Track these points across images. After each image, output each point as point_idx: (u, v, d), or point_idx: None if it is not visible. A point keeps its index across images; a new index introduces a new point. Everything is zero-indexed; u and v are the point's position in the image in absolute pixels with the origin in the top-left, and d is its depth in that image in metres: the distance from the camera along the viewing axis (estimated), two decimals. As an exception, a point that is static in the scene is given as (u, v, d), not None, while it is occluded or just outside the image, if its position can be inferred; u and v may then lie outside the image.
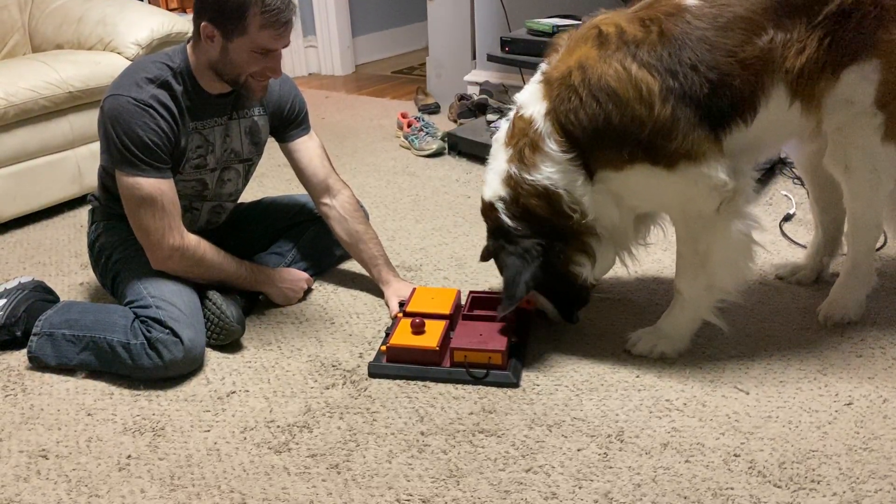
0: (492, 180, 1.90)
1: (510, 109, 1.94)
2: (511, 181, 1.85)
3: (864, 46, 1.77)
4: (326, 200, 2.31)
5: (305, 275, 2.36)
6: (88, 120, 2.98)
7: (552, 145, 1.79)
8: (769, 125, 1.81)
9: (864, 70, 1.79)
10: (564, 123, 1.77)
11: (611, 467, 1.63)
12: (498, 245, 1.94)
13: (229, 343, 2.10)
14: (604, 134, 1.74)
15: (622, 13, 1.82)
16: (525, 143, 1.82)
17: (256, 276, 2.24)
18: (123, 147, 1.98)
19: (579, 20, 2.05)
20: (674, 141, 1.73)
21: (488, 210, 1.93)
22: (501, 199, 1.87)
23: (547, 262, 1.88)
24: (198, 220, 2.27)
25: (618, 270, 2.37)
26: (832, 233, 2.24)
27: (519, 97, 1.89)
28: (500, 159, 1.89)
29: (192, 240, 2.09)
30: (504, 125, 1.94)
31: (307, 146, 2.31)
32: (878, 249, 2.29)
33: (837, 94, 1.81)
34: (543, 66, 1.88)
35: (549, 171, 1.80)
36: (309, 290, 2.37)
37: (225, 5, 1.89)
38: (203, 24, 1.95)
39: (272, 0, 1.89)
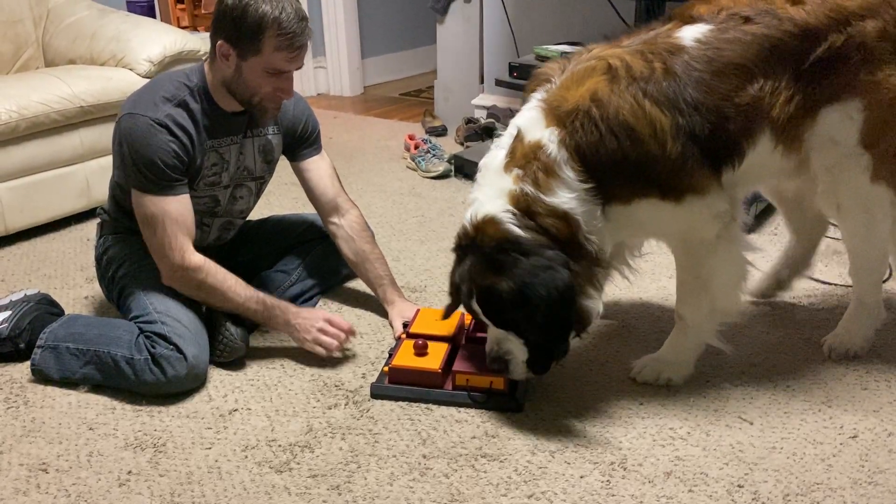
0: (488, 200, 1.74)
1: (501, 137, 1.84)
2: (525, 198, 1.70)
3: (847, 87, 1.79)
4: (335, 219, 2.32)
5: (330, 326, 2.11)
6: (99, 134, 3.00)
7: (569, 173, 1.70)
8: (753, 167, 1.83)
9: (847, 109, 1.80)
10: (588, 155, 1.70)
11: (613, 495, 1.62)
12: (506, 261, 1.68)
13: (232, 360, 2.10)
14: (620, 169, 1.72)
15: (620, 47, 1.79)
16: (537, 167, 1.71)
17: (270, 312, 2.08)
18: (138, 165, 1.99)
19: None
20: (684, 177, 1.74)
21: (486, 225, 1.72)
22: (509, 211, 1.70)
23: None
24: (208, 236, 2.27)
25: (621, 296, 2.39)
26: (801, 252, 2.29)
27: (518, 122, 1.79)
28: (500, 182, 1.74)
29: (198, 259, 2.05)
30: (495, 153, 1.80)
31: (318, 165, 2.32)
32: (883, 281, 2.29)
33: (819, 132, 1.83)
34: (538, 95, 1.79)
35: (567, 197, 1.70)
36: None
37: (242, 25, 1.92)
38: (219, 42, 1.97)
39: (289, 23, 1.91)
